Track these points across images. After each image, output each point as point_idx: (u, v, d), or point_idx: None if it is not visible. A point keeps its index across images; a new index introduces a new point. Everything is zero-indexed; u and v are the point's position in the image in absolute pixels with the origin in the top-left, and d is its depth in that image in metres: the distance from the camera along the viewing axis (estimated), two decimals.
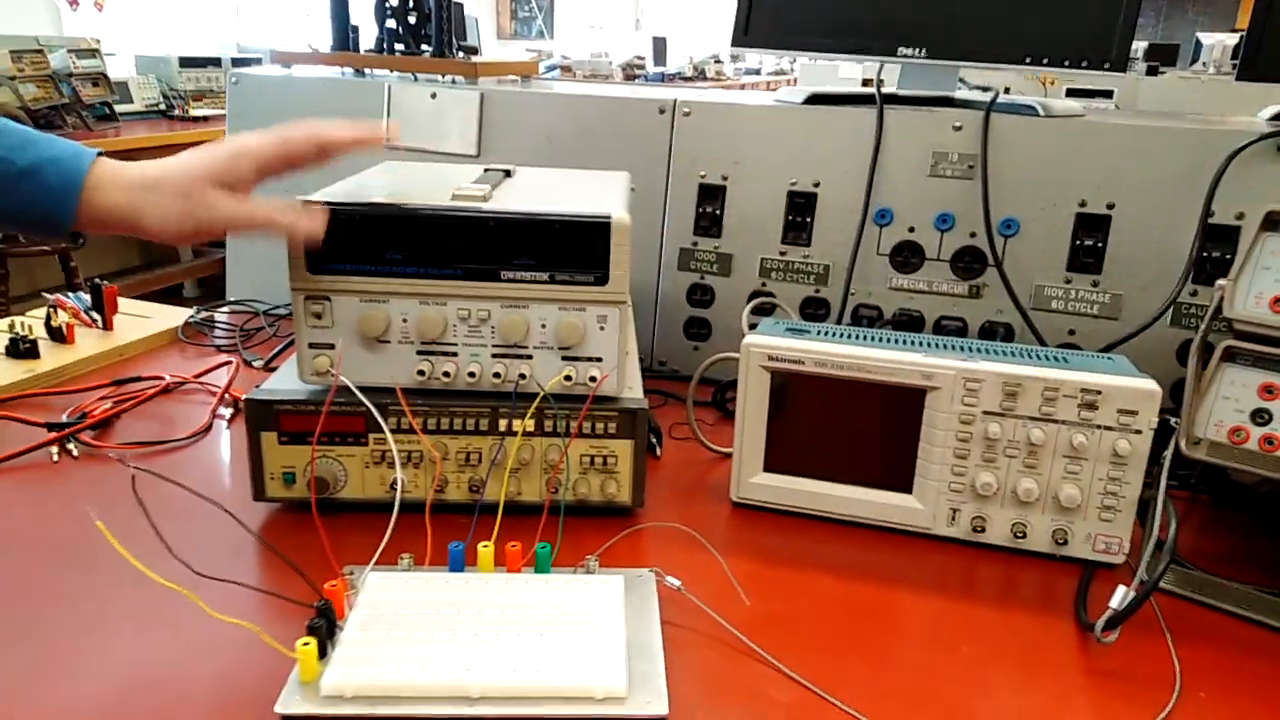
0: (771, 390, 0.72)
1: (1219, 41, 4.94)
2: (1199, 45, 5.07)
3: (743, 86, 7.35)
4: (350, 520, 0.69)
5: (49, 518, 0.71)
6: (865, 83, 3.75)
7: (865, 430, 0.72)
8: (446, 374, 0.69)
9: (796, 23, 0.99)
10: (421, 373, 0.69)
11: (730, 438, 0.85)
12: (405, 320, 0.68)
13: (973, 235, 0.94)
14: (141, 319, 1.12)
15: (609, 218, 0.66)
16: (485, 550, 0.59)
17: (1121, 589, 0.59)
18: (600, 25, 8.68)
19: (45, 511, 0.72)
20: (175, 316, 1.14)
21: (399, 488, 0.64)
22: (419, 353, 0.69)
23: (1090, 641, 0.61)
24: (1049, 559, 0.70)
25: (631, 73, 6.62)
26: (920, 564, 0.70)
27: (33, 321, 1.03)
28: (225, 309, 1.19)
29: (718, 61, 8.00)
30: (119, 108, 3.26)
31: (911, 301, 0.96)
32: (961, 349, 0.71)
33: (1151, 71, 4.33)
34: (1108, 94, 3.54)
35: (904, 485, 0.71)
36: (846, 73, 3.98)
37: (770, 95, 1.08)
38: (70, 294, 1.07)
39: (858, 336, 0.73)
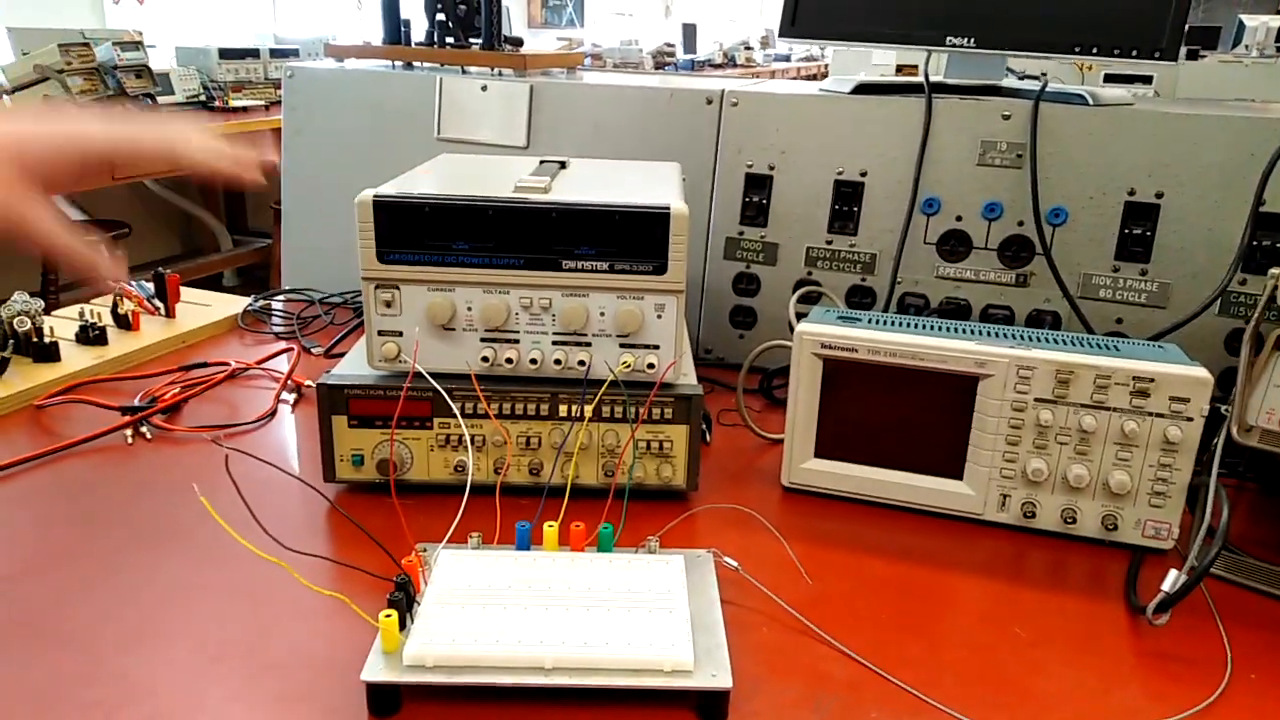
0: (823, 377, 0.74)
1: (1263, 23, 4.83)
2: (1241, 27, 4.96)
3: (773, 73, 7.32)
4: (416, 501, 0.72)
5: (130, 497, 0.75)
6: (899, 69, 3.72)
7: (916, 417, 0.73)
8: (509, 360, 0.71)
9: (844, 12, 1.00)
10: (485, 359, 0.71)
11: (777, 424, 0.86)
12: (470, 308, 0.70)
13: (1020, 224, 0.94)
14: (202, 307, 1.15)
15: (669, 208, 0.68)
16: (550, 530, 0.61)
17: (1173, 573, 0.60)
18: (630, 13, 8.66)
19: (126, 491, 0.76)
20: (234, 305, 1.17)
21: (469, 470, 0.66)
22: (483, 340, 0.71)
23: (1141, 624, 0.62)
24: (1098, 544, 0.71)
25: (662, 60, 6.61)
26: (971, 548, 0.71)
27: (100, 309, 1.07)
28: (281, 297, 1.22)
29: (748, 48, 7.96)
30: (161, 99, 3.32)
31: (958, 290, 0.97)
32: (1013, 337, 0.72)
33: (1192, 55, 4.24)
34: (1147, 79, 3.48)
35: (955, 471, 0.73)
36: (880, 59, 3.95)
37: (816, 85, 1.09)
38: (134, 283, 1.11)
39: (907, 324, 0.75)
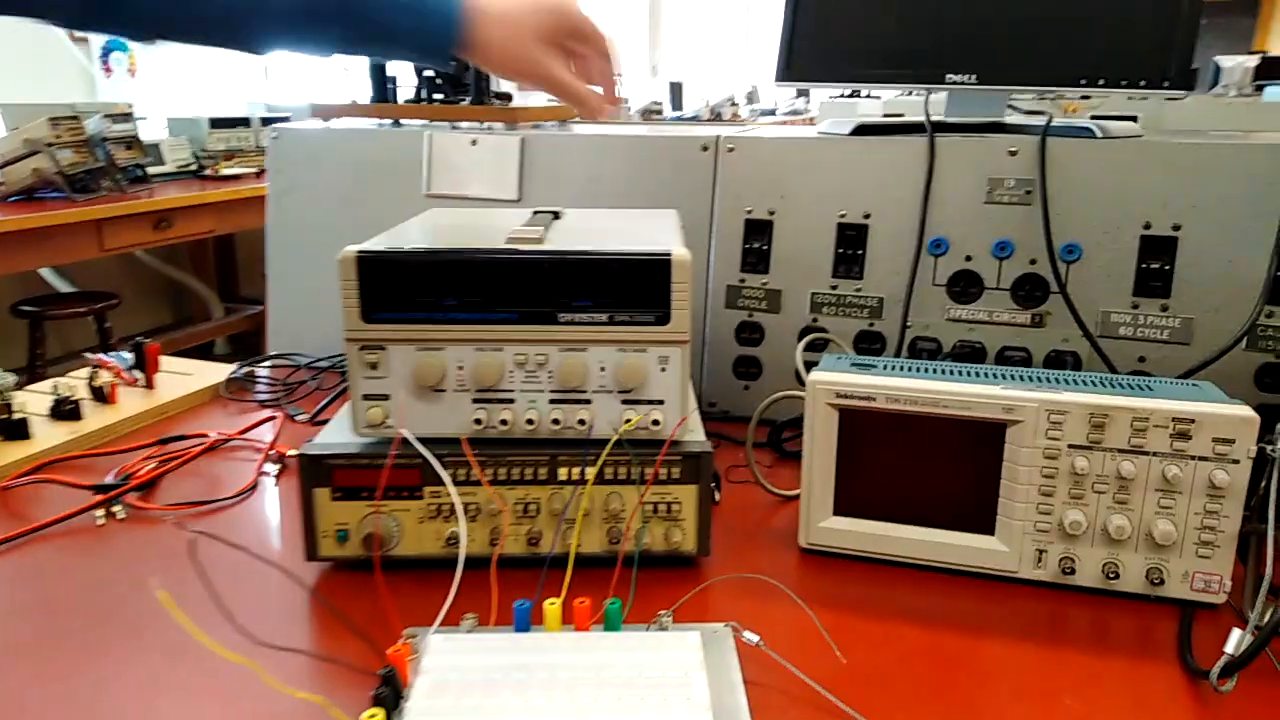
0: (840, 429, 0.69)
1: (1239, 63, 4.90)
2: (1218, 69, 5.03)
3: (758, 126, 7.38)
4: (405, 578, 0.67)
5: (96, 584, 0.69)
6: (886, 118, 3.74)
7: (942, 469, 0.68)
8: (504, 422, 0.66)
9: (840, 54, 0.98)
10: (478, 421, 0.66)
11: (790, 480, 0.82)
12: (461, 368, 0.66)
13: (1033, 262, 0.91)
14: (183, 376, 1.11)
15: (669, 255, 0.64)
16: (552, 607, 0.56)
17: (1237, 633, 0.55)
18: (617, 72, 8.79)
19: (92, 577, 0.70)
20: (217, 373, 1.13)
21: (462, 543, 0.61)
22: (475, 401, 0.67)
23: (1201, 688, 0.57)
24: (1144, 600, 0.66)
25: (650, 118, 6.68)
26: (1008, 609, 0.66)
27: (75, 382, 1.02)
28: (267, 363, 1.18)
29: (733, 104, 8.07)
30: (151, 169, 3.32)
31: (971, 333, 0.93)
32: (1039, 379, 0.68)
33: (1171, 97, 4.27)
34: (1132, 119, 3.50)
35: (986, 526, 0.68)
36: (866, 109, 3.98)
37: (814, 128, 1.07)
38: (112, 353, 1.06)
39: (925, 370, 0.70)
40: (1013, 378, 0.68)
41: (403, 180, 1.13)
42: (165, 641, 0.61)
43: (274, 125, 1.19)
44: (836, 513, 0.71)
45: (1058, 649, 0.61)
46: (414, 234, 0.73)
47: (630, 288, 0.65)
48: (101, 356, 1.03)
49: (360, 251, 0.64)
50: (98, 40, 3.72)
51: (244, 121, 3.77)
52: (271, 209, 1.20)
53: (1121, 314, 0.89)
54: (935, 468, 0.68)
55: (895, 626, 0.63)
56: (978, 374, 0.70)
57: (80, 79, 3.71)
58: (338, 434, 0.70)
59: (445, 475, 0.60)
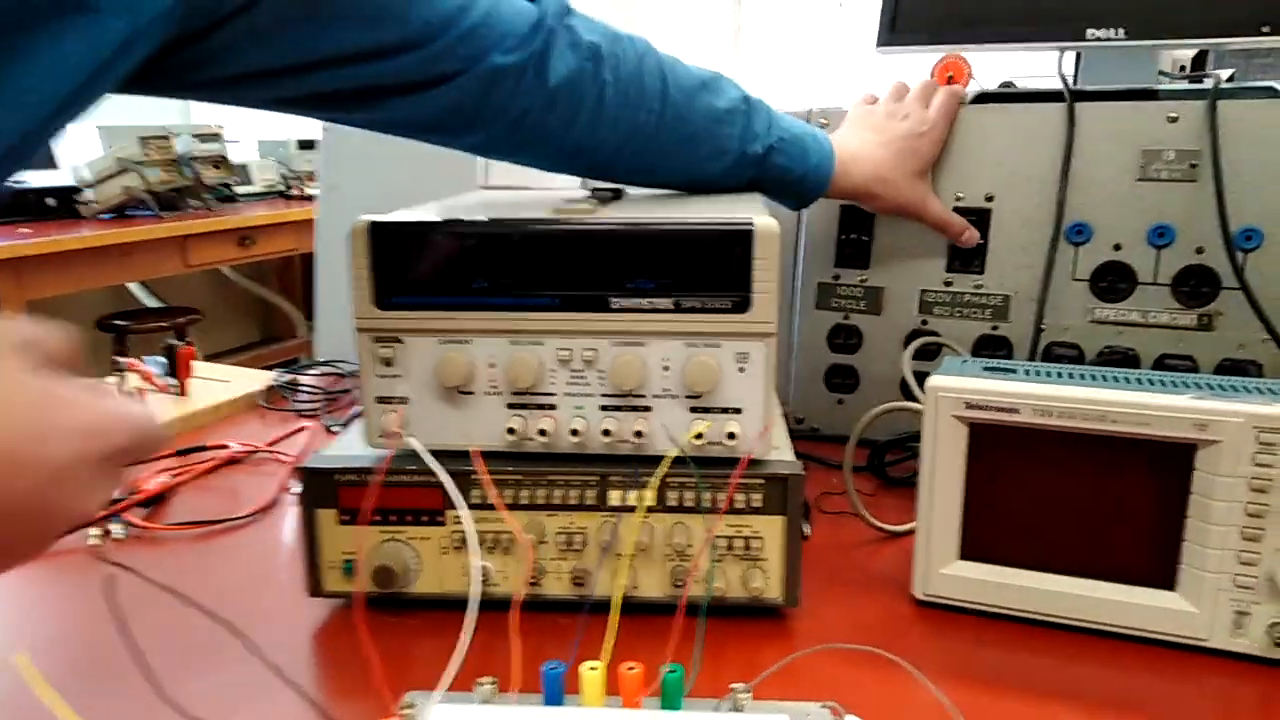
0: (969, 449, 0.54)
1: None
2: None
3: None
4: (425, 622, 0.55)
5: (77, 616, 0.59)
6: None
7: (1105, 503, 0.53)
8: (543, 432, 0.54)
9: (958, 11, 0.84)
10: (512, 431, 0.54)
11: (895, 512, 0.67)
12: (492, 365, 0.54)
13: (1199, 251, 0.74)
14: (220, 383, 1.02)
15: (750, 224, 0.51)
16: (592, 674, 0.43)
17: None
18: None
19: (69, 608, 0.61)
20: (256, 380, 1.04)
21: (474, 583, 0.49)
22: (509, 405, 0.54)
23: None
24: None
25: None
26: (1199, 690, 0.49)
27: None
28: (312, 371, 1.09)
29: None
30: (240, 189, 3.36)
31: (1121, 336, 0.77)
32: (1238, 389, 0.52)
33: None
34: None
35: (1164, 579, 0.52)
36: None
37: None
38: (146, 358, 0.99)
39: (1076, 376, 0.55)
40: (1201, 386, 0.52)
41: (458, 171, 1.03)
42: (137, 693, 0.50)
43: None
44: (963, 556, 0.56)
45: None
46: (446, 208, 0.62)
47: (701, 266, 0.52)
48: (131, 360, 0.96)
49: (374, 221, 0.53)
50: None
51: None
52: (321, 206, 1.12)
53: None
54: (1096, 501, 0.53)
55: (1048, 710, 0.48)
56: (1148, 381, 0.54)
57: (175, 104, 3.81)
58: (352, 445, 0.59)
59: (456, 495, 0.48)
